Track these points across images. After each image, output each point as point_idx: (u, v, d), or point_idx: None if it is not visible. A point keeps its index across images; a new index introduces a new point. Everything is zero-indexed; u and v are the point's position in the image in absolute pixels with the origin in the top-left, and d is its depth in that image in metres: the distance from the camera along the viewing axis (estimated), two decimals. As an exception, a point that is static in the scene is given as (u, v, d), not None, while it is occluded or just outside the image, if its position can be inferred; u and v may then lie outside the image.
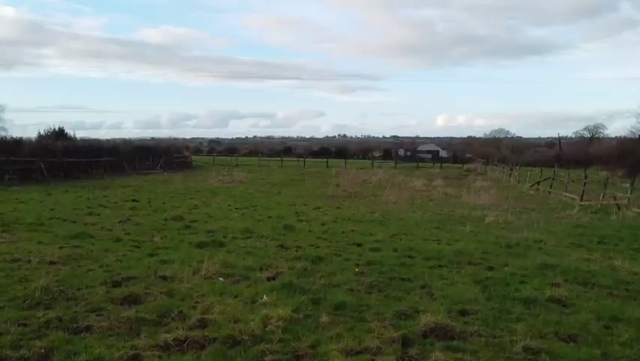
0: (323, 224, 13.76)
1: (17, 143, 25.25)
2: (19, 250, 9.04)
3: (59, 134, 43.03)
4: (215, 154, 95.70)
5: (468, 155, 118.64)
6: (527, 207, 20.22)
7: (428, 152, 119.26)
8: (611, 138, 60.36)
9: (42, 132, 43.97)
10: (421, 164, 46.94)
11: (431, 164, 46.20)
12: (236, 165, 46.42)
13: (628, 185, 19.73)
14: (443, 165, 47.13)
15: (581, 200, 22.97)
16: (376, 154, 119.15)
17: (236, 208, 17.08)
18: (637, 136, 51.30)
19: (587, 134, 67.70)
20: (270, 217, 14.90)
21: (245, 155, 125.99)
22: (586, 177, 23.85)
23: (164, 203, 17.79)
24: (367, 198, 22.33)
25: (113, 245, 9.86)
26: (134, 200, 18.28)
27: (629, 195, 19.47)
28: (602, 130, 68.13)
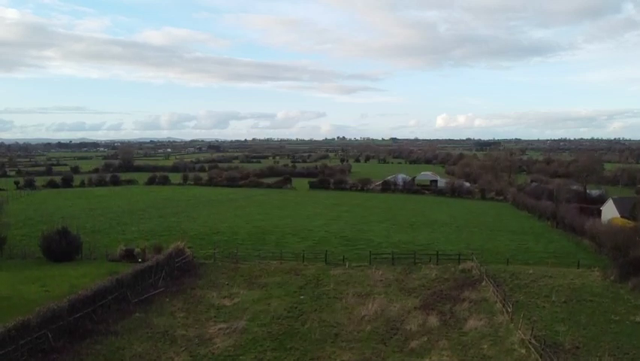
0: None
1: (25, 324, 25.96)
2: None
3: (62, 232, 43.69)
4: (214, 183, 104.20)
5: (467, 184, 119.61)
6: None
7: (425, 187, 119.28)
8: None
9: (44, 232, 44.80)
10: (418, 257, 48.28)
11: (428, 257, 47.65)
12: (236, 261, 46.74)
13: None
14: (441, 256, 48.49)
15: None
16: (376, 185, 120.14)
17: None
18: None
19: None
20: None
21: (244, 184, 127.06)
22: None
23: None
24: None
25: None
26: None
27: None
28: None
